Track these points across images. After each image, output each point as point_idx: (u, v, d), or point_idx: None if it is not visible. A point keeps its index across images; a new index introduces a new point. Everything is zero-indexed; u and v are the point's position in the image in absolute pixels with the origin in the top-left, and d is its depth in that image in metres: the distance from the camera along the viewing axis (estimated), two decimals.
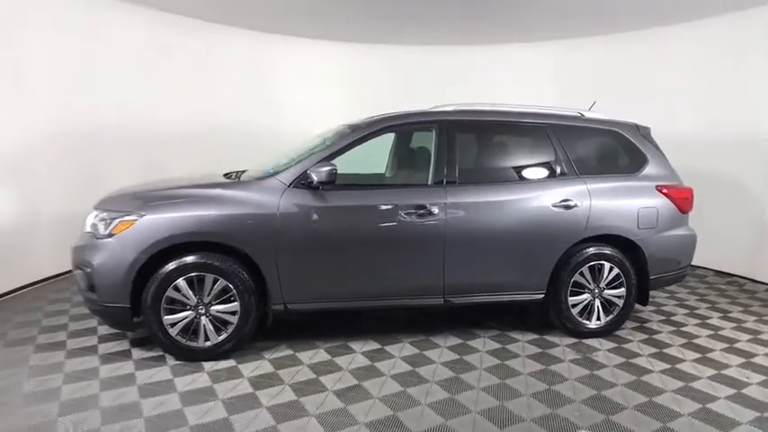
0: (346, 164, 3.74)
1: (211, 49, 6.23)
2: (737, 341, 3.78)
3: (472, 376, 3.12)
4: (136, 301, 3.12)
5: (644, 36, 6.22)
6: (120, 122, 5.37)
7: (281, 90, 6.85)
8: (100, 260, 3.07)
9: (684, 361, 3.41)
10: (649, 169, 3.87)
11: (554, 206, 3.56)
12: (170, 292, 3.11)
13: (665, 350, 3.59)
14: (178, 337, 3.17)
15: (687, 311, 4.45)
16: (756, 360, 3.45)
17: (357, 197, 3.37)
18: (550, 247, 3.59)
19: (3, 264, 4.40)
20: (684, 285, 5.30)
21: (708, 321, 4.21)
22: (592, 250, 3.65)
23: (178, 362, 3.21)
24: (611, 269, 3.70)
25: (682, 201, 3.85)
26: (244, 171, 3.79)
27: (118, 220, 3.09)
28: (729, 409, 2.79)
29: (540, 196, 3.56)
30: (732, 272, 5.75)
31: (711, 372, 3.25)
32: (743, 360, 3.44)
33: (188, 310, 3.16)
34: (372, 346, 3.54)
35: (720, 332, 3.96)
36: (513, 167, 3.75)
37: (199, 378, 3.01)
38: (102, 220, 3.16)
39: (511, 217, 3.50)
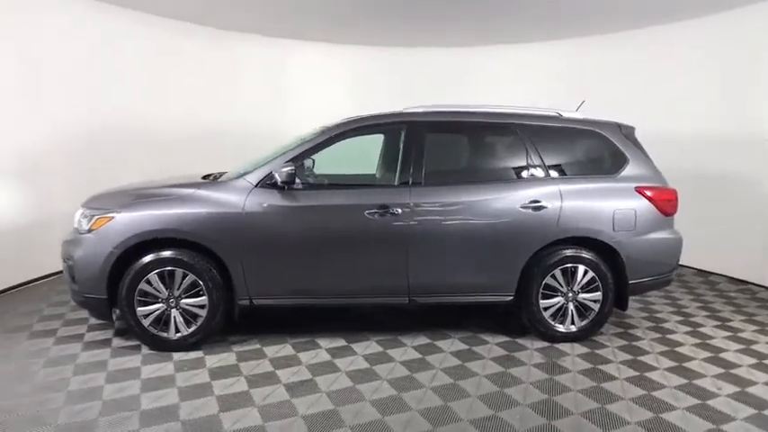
0: (355, 164, 3.85)
1: (221, 53, 6.50)
2: (724, 351, 3.60)
3: (426, 376, 3.13)
4: (114, 293, 3.34)
5: (650, 33, 6.00)
6: (135, 124, 5.70)
7: (286, 92, 7.04)
8: (80, 253, 3.31)
9: (657, 369, 3.28)
10: (629, 170, 3.74)
11: (522, 207, 3.52)
12: (143, 285, 3.31)
13: (641, 357, 3.47)
14: (150, 328, 3.36)
15: (681, 318, 4.26)
16: (737, 371, 3.28)
17: (321, 197, 3.47)
18: (517, 249, 3.55)
19: (23, 256, 4.79)
20: (691, 292, 5.07)
21: (700, 329, 4.01)
22: (563, 252, 3.58)
23: (152, 351, 3.40)
24: (585, 272, 3.61)
25: (664, 203, 3.70)
26: (224, 173, 3.96)
27: (97, 217, 3.32)
28: (683, 419, 2.68)
29: (507, 197, 3.52)
30: (747, 279, 5.43)
31: (681, 381, 3.12)
32: (722, 371, 3.28)
33: (159, 302, 3.35)
34: (339, 343, 3.61)
35: (710, 341, 3.78)
36: (481, 168, 3.74)
37: (164, 367, 3.19)
38: (85, 216, 3.40)
39: (475, 218, 3.49)
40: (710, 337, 3.85)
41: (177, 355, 3.36)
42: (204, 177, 3.76)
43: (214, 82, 6.50)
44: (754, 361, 3.44)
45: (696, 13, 5.43)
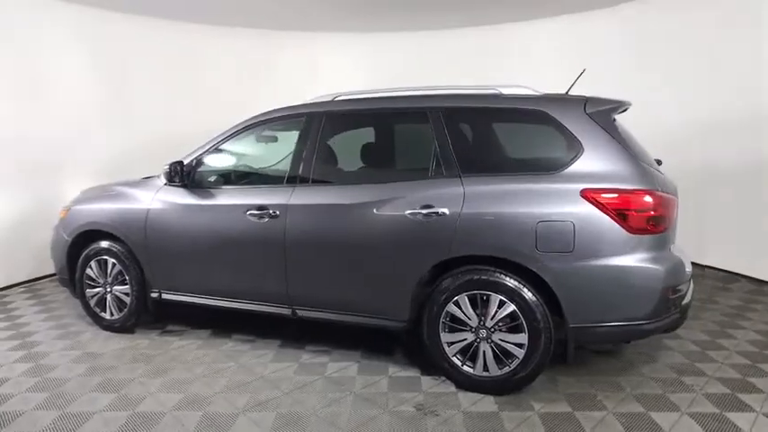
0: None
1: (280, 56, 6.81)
2: None
3: (268, 394, 2.79)
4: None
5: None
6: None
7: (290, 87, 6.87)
8: (53, 239, 3.98)
9: None
10: (582, 164, 2.60)
11: (410, 214, 2.79)
12: (88, 270, 3.79)
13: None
14: (95, 309, 3.83)
15: (726, 386, 2.79)
16: None
17: (213, 196, 3.38)
18: (403, 267, 2.84)
19: None
20: None
21: (731, 414, 2.56)
22: (469, 275, 2.72)
23: (100, 329, 3.87)
24: (501, 304, 2.68)
25: (632, 214, 2.47)
26: None
27: (63, 209, 3.94)
28: None
29: (396, 200, 2.84)
30: None
31: None
32: None
33: (99, 287, 3.78)
34: (236, 340, 3.54)
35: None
36: (380, 164, 3.12)
37: (85, 342, 3.61)
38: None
39: (355, 225, 2.92)
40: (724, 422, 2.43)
41: (106, 334, 3.76)
42: (145, 178, 4.03)
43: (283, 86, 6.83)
44: None
45: None
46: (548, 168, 2.67)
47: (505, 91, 2.91)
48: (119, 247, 3.63)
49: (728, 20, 4.87)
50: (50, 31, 5.23)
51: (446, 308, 2.79)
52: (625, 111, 2.92)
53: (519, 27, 6.23)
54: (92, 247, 3.74)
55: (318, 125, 3.19)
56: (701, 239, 5.31)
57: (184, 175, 3.39)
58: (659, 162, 3.12)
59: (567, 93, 3.06)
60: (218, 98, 6.40)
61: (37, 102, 5.12)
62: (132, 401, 2.79)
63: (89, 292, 3.81)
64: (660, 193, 2.53)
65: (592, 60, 5.53)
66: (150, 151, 5.90)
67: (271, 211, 3.12)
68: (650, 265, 2.48)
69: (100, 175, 5.32)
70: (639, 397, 2.76)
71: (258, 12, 5.86)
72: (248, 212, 3.18)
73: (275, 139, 3.75)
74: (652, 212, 2.49)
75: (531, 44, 6.20)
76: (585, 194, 2.52)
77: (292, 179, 3.18)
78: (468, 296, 2.74)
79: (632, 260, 2.48)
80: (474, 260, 2.75)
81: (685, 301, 2.70)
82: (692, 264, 5.25)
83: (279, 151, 3.53)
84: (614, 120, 2.77)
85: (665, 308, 2.56)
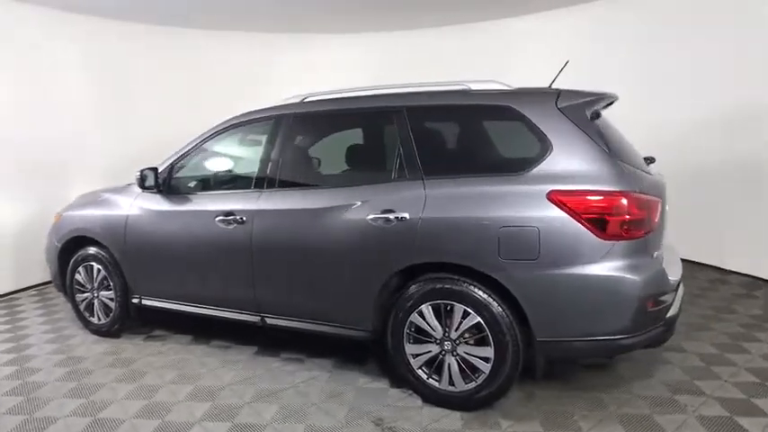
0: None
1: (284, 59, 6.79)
2: None
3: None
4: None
5: None
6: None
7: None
8: (46, 245, 4.06)
9: None
10: (550, 164, 2.39)
11: (372, 219, 2.66)
12: (77, 276, 3.85)
13: None
14: (84, 313, 3.88)
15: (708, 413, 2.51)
16: None
17: (185, 202, 3.35)
18: (366, 274, 2.71)
19: None
20: None
21: None
22: (430, 284, 2.56)
23: (89, 333, 3.92)
24: (465, 315, 2.50)
25: (604, 218, 2.25)
26: None
27: (56, 215, 4.02)
28: None
29: (359, 205, 2.71)
30: None
31: None
32: None
33: (87, 292, 3.83)
34: (214, 346, 3.52)
35: None
36: (345, 167, 2.98)
37: (73, 346, 3.66)
38: None
39: (318, 230, 2.81)
40: None
41: (93, 338, 3.80)
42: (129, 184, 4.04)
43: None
44: None
45: None
46: (514, 169, 2.48)
47: (474, 87, 2.73)
48: (103, 254, 3.67)
49: (725, 16, 4.53)
50: (49, 37, 5.34)
51: (410, 318, 2.63)
52: (611, 104, 2.69)
53: (514, 23, 6.05)
54: (80, 253, 3.79)
55: (285, 128, 3.10)
56: (724, 242, 4.91)
57: (159, 182, 3.37)
58: (651, 160, 2.86)
59: (549, 86, 2.84)
60: (214, 101, 6.40)
61: (38, 106, 5.24)
62: (97, 407, 2.78)
63: (78, 296, 3.87)
64: (637, 195, 2.29)
65: (591, 56, 5.30)
66: (149, 154, 5.97)
67: (238, 217, 3.05)
68: (625, 275, 2.25)
69: (105, 178, 5.44)
70: (622, 417, 2.51)
71: (252, 15, 5.85)
72: (217, 218, 3.13)
73: (258, 143, 3.69)
74: (627, 216, 2.25)
75: (528, 40, 5.99)
76: (552, 197, 2.32)
77: (260, 184, 3.11)
78: (432, 306, 2.58)
79: (605, 269, 2.26)
80: (439, 267, 2.58)
81: (671, 313, 2.44)
82: (715, 268, 4.95)
83: (250, 155, 3.46)
84: (597, 115, 2.54)
85: (647, 321, 2.32)
